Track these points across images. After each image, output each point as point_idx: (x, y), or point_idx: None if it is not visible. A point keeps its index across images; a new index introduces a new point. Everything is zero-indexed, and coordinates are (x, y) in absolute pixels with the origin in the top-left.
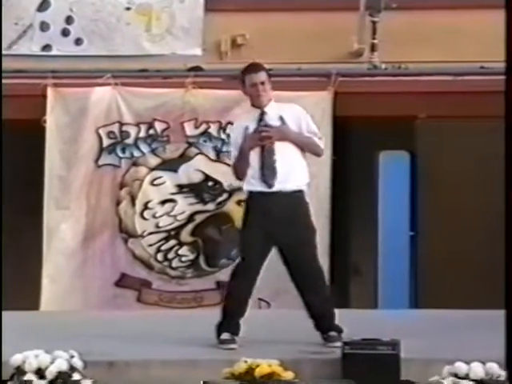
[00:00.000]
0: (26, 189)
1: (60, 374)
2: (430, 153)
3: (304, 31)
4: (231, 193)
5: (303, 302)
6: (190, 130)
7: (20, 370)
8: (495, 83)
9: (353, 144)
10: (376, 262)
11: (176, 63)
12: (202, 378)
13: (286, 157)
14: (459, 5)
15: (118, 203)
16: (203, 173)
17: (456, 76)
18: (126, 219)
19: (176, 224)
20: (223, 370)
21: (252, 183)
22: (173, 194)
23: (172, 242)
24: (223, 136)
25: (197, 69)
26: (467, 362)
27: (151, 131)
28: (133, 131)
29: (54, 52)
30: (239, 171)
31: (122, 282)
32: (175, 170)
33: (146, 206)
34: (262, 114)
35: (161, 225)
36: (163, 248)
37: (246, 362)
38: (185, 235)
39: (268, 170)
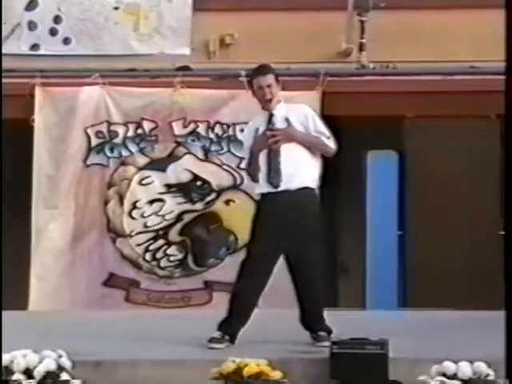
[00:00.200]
0: (14, 188)
1: (48, 374)
2: (419, 152)
3: (292, 31)
4: (219, 192)
5: (298, 303)
6: (178, 129)
7: (8, 370)
8: (484, 83)
9: (341, 144)
10: (364, 261)
11: (164, 63)
12: (190, 377)
13: (292, 157)
14: (448, 4)
15: (106, 203)
16: (191, 172)
17: (444, 76)
18: (115, 219)
19: (164, 223)
20: (211, 369)
21: (261, 185)
22: (161, 193)
23: (160, 242)
24: (211, 135)
25: (185, 68)
26: (455, 362)
27: (139, 131)
28: (121, 131)
29: (42, 51)
30: (251, 174)
31: (110, 281)
32: (163, 170)
33: (134, 206)
34: (271, 116)
35: (149, 224)
36: (151, 248)
37: (234, 361)
38: (173, 235)
39: (274, 172)
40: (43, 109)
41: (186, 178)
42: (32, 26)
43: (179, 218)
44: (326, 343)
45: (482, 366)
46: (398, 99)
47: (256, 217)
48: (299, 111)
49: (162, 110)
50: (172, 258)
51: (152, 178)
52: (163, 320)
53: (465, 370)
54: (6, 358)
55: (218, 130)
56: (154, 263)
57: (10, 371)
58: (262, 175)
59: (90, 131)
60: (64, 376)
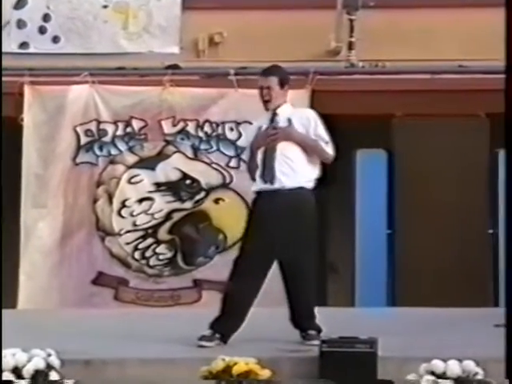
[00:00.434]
0: (3, 187)
1: (37, 373)
2: (408, 151)
3: (282, 29)
4: (209, 191)
5: (288, 302)
6: (167, 128)
7: None
8: (473, 82)
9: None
10: (353, 259)
11: (153, 61)
12: (180, 376)
13: (287, 156)
14: (437, 3)
15: (95, 201)
16: (181, 171)
17: (433, 74)
18: (103, 217)
19: (153, 222)
20: (201, 368)
21: (256, 183)
22: (150, 192)
23: (149, 241)
24: (201, 134)
25: (174, 67)
26: (444, 360)
27: (128, 129)
28: (110, 129)
29: (30, 50)
30: (250, 171)
31: (99, 280)
32: (153, 168)
33: (123, 204)
34: (274, 115)
35: (138, 223)
36: (140, 246)
37: (223, 360)
38: (162, 233)
39: (267, 169)
40: (32, 107)
41: (175, 176)
42: (21, 24)
43: (168, 216)
44: (316, 342)
45: (470, 365)
46: (387, 98)
47: (250, 215)
48: (302, 113)
49: (151, 108)
50: (161, 257)
51: (141, 177)
52: (152, 319)
53: (453, 368)
54: None
55: (207, 128)
56: (143, 262)
57: None
58: (258, 172)
59: (79, 130)
60: (53, 375)
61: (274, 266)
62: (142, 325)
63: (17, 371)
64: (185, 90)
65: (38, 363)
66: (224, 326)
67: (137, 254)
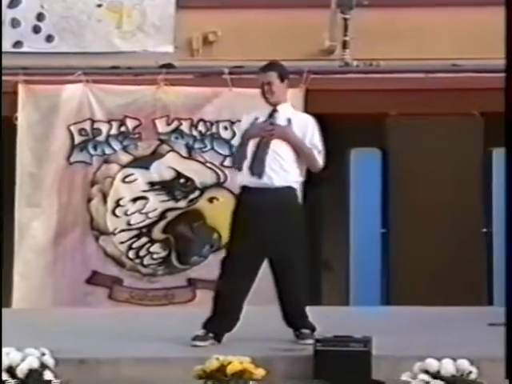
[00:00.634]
0: None
1: (31, 372)
2: (402, 150)
3: (276, 28)
4: (203, 190)
5: (278, 300)
6: (161, 127)
7: None
8: (467, 80)
9: (324, 141)
10: (347, 258)
11: (147, 60)
12: (174, 375)
13: (279, 154)
14: (431, 2)
15: (89, 200)
16: (175, 170)
17: (427, 73)
18: (98, 217)
19: (148, 221)
20: (195, 367)
21: (244, 176)
22: (144, 191)
23: (144, 240)
24: (195, 133)
25: (168, 66)
26: (438, 359)
27: (123, 128)
28: (104, 128)
29: (24, 49)
30: (236, 159)
31: (94, 279)
32: (147, 168)
33: (117, 204)
34: (274, 111)
35: (132, 222)
36: (135, 245)
37: (217, 359)
38: (156, 232)
39: (257, 161)
40: (26, 106)
41: (169, 175)
42: (15, 23)
43: (162, 215)
44: (310, 341)
45: (464, 364)
46: (381, 97)
47: (236, 211)
48: (302, 118)
49: (146, 107)
50: (155, 256)
51: (135, 176)
52: (146, 318)
53: (448, 367)
54: None
55: (201, 127)
56: (138, 261)
57: None
58: (245, 163)
59: (73, 129)
60: (47, 374)
61: (266, 265)
62: (136, 324)
63: (11, 370)
64: (179, 89)
65: (32, 362)
66: (217, 326)
67: (131, 253)
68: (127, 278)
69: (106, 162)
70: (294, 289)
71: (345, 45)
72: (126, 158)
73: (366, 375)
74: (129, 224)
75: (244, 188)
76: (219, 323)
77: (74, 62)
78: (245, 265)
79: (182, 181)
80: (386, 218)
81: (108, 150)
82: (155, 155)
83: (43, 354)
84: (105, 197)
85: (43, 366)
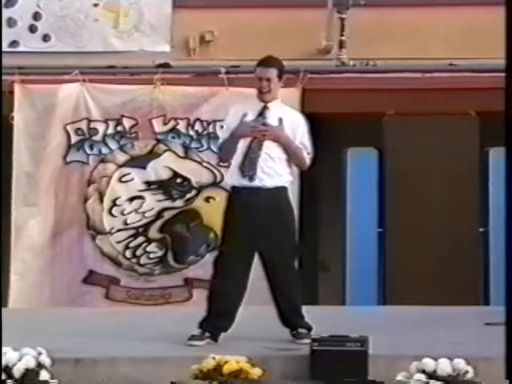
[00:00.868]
0: None
1: (27, 372)
2: (398, 149)
3: (272, 28)
4: (199, 190)
5: (273, 300)
6: (158, 126)
7: None
8: (463, 80)
9: (321, 141)
10: (344, 258)
11: (144, 60)
12: (170, 375)
13: (271, 155)
14: (427, 2)
15: (85, 200)
16: (171, 169)
17: (424, 73)
18: (94, 216)
19: (144, 221)
20: (191, 366)
21: (234, 176)
22: (141, 190)
23: (140, 239)
24: (191, 133)
25: (165, 65)
26: (435, 359)
27: (119, 128)
28: (101, 128)
29: (21, 48)
30: (224, 154)
31: (90, 278)
32: (143, 167)
33: (114, 203)
34: (265, 108)
35: (129, 222)
36: (131, 245)
37: (214, 358)
38: (153, 232)
39: (249, 163)
40: (22, 106)
41: (166, 175)
42: (11, 22)
43: (159, 215)
44: (306, 340)
45: (461, 363)
46: (377, 96)
47: (227, 212)
48: (294, 117)
49: (142, 107)
50: (152, 255)
51: (132, 176)
52: (143, 317)
53: (444, 366)
54: None
55: (198, 127)
56: (134, 260)
57: None
58: (235, 163)
59: (69, 128)
60: (43, 374)
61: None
62: (132, 323)
63: (7, 370)
64: (176, 88)
65: (29, 362)
66: (213, 325)
67: (128, 253)
68: (124, 277)
69: (103, 161)
70: (289, 288)
71: (341, 44)
72: (122, 157)
73: (363, 375)
74: (125, 223)
75: (234, 188)
76: (215, 323)
77: (70, 62)
78: (238, 264)
79: (178, 180)
80: (382, 218)
81: (104, 150)
82: (152, 155)
83: (40, 354)
84: (101, 196)
85: (40, 366)
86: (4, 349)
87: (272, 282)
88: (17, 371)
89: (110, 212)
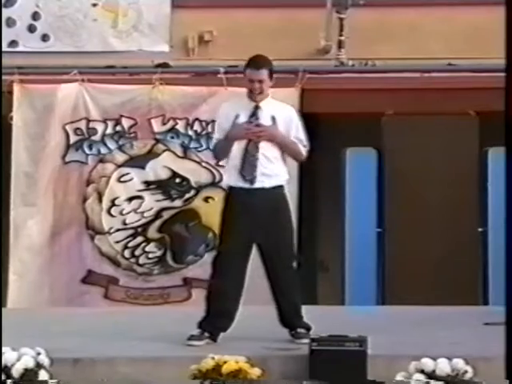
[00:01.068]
0: None
1: (26, 372)
2: (397, 149)
3: (271, 28)
4: (198, 189)
5: (273, 300)
6: (157, 126)
7: None
8: (462, 80)
9: (320, 141)
10: (343, 258)
11: (143, 60)
12: (169, 374)
13: (268, 155)
14: (426, 2)
15: (84, 200)
16: (170, 169)
17: (423, 73)
18: (93, 216)
19: (143, 221)
20: (190, 366)
21: (232, 178)
22: (140, 190)
23: (139, 239)
24: (190, 132)
25: (164, 65)
26: (434, 359)
27: (118, 128)
28: (100, 128)
29: (20, 48)
30: (219, 154)
31: (89, 278)
32: (142, 167)
33: (113, 203)
34: (257, 108)
35: (128, 221)
36: (130, 245)
37: (213, 358)
38: (152, 232)
39: (248, 166)
40: (21, 106)
41: (164, 175)
42: (10, 22)
43: (158, 215)
44: (305, 340)
45: (460, 363)
46: (376, 96)
47: (226, 211)
48: (286, 113)
49: (141, 107)
50: (151, 255)
51: (131, 175)
52: (142, 317)
53: (443, 366)
54: None
55: (196, 127)
56: (133, 260)
57: None
58: (233, 166)
59: (68, 128)
60: (42, 374)
61: (262, 265)
62: (131, 323)
63: (6, 370)
64: (175, 88)
65: (28, 362)
66: (212, 325)
67: (126, 253)
68: (123, 277)
69: (102, 161)
70: (288, 288)
71: (340, 44)
72: (121, 157)
73: (362, 375)
74: (124, 223)
75: (233, 188)
76: (214, 323)
77: (69, 62)
78: (236, 264)
79: (177, 180)
80: (381, 218)
81: (103, 150)
82: (151, 155)
83: (38, 354)
84: (100, 196)
85: (38, 366)
86: (3, 349)
87: (272, 282)
88: (16, 371)
89: (108, 212)
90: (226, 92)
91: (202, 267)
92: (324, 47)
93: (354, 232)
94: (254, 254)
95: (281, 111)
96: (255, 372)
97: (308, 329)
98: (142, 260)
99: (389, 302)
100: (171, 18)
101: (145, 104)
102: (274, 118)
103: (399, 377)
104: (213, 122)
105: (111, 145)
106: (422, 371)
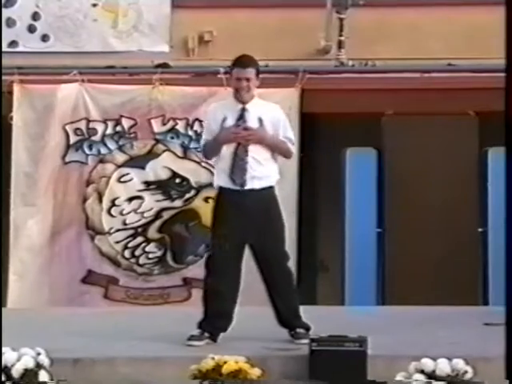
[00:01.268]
0: None
1: (26, 372)
2: (397, 149)
3: (271, 28)
4: (198, 190)
5: (270, 300)
6: (157, 126)
7: None
8: (462, 80)
9: (320, 141)
10: (343, 258)
11: (143, 60)
12: (169, 375)
13: (258, 157)
14: (426, 2)
15: (84, 200)
16: (170, 170)
17: (423, 73)
18: (93, 216)
19: (143, 221)
20: (190, 366)
21: (222, 179)
22: (140, 190)
23: (139, 239)
24: (190, 133)
25: (164, 65)
26: (434, 359)
27: (118, 128)
28: (100, 128)
29: (20, 48)
30: (208, 154)
31: (89, 278)
32: (142, 167)
33: (113, 203)
34: (244, 110)
35: (128, 222)
36: (130, 245)
37: (213, 358)
38: (152, 232)
39: (238, 170)
40: (21, 106)
41: (165, 175)
42: (10, 22)
43: (158, 215)
44: (305, 340)
45: (460, 363)
46: (376, 96)
47: (217, 211)
48: (273, 112)
49: (141, 107)
50: (151, 255)
51: (131, 176)
52: (142, 317)
53: (443, 366)
54: None
55: (196, 127)
56: (133, 260)
57: None
58: (223, 168)
59: (68, 128)
60: (42, 374)
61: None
62: (131, 323)
63: (6, 370)
64: (174, 88)
65: (28, 362)
66: (212, 325)
67: (126, 253)
68: (123, 277)
69: (102, 161)
70: (285, 287)
71: (340, 44)
72: (121, 157)
73: (362, 375)
74: (124, 223)
75: (223, 189)
76: (214, 323)
77: (69, 62)
78: (230, 263)
79: (177, 180)
80: (381, 218)
81: (103, 150)
82: (151, 155)
83: (38, 354)
84: (100, 196)
85: (38, 366)
86: (3, 349)
87: (267, 282)
88: (16, 371)
89: (108, 212)
90: (226, 92)
91: (201, 267)
92: (324, 47)
93: (353, 232)
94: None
95: (268, 112)
96: (255, 372)
97: (307, 329)
98: (142, 260)
99: (389, 302)
100: (171, 18)
101: (145, 104)
102: (261, 120)
103: (399, 377)
104: None
105: (111, 145)
106: (422, 371)
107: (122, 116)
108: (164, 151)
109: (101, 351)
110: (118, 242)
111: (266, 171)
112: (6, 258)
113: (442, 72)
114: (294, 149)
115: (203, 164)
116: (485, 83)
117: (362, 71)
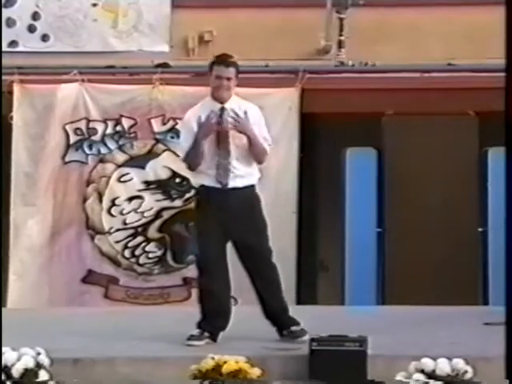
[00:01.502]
0: None
1: (26, 372)
2: (397, 149)
3: (271, 28)
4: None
5: (256, 295)
6: (157, 126)
7: None
8: (462, 80)
9: (320, 141)
10: (343, 258)
11: (143, 60)
12: (169, 374)
13: (240, 157)
14: (426, 2)
15: (84, 200)
16: (170, 169)
17: (423, 73)
18: (93, 216)
19: (143, 220)
20: (190, 366)
21: (205, 179)
22: (140, 190)
23: (139, 239)
24: None
25: (164, 65)
26: (434, 358)
27: (118, 128)
28: (100, 128)
29: (20, 48)
30: (192, 161)
31: (89, 278)
32: (142, 167)
33: (113, 203)
34: (223, 109)
35: (128, 221)
36: (130, 244)
37: (213, 358)
38: (152, 232)
39: (222, 170)
40: (21, 106)
41: (165, 174)
42: (10, 22)
43: (158, 214)
44: (303, 337)
45: (460, 363)
46: (376, 96)
47: (201, 210)
48: (254, 110)
49: (141, 107)
50: (151, 255)
51: (131, 175)
52: (142, 317)
53: (443, 366)
54: None
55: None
56: (133, 260)
57: None
58: (206, 168)
59: (68, 128)
60: (42, 374)
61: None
62: (131, 323)
63: (6, 370)
64: (175, 88)
65: (28, 362)
66: (211, 325)
67: (127, 253)
68: (123, 277)
69: (102, 161)
70: (272, 282)
71: (340, 44)
72: (121, 157)
73: (362, 375)
74: (124, 223)
75: (205, 187)
76: (213, 322)
77: (69, 62)
78: (218, 263)
79: (177, 180)
80: (381, 218)
81: (103, 150)
82: (151, 154)
83: (38, 354)
84: (100, 196)
85: (38, 366)
86: (3, 349)
87: (254, 278)
88: (16, 371)
89: (109, 212)
90: None
91: None
92: (324, 47)
93: (353, 232)
94: None
95: (249, 108)
96: (255, 372)
97: (297, 324)
98: (142, 260)
99: (389, 302)
100: (171, 18)
101: (145, 104)
102: (246, 113)
103: (399, 377)
104: None
105: (111, 145)
106: (422, 371)
107: (122, 116)
108: (164, 151)
109: (101, 351)
110: (118, 242)
111: (248, 170)
112: (6, 258)
113: (442, 72)
114: (268, 150)
115: None
116: (485, 83)
117: (361, 71)
